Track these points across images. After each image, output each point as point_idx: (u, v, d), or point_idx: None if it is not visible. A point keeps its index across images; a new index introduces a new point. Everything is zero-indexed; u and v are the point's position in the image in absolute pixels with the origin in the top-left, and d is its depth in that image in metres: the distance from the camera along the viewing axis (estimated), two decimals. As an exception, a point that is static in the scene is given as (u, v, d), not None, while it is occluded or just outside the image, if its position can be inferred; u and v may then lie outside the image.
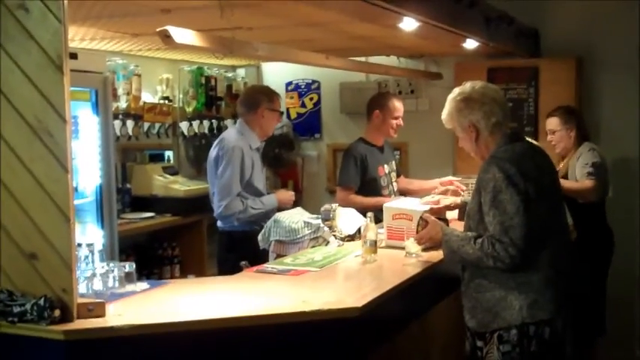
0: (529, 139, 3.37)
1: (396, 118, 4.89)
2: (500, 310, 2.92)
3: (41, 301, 2.44)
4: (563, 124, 4.97)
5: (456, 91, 3.14)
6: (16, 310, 2.45)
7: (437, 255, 3.38)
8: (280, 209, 4.42)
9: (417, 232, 3.41)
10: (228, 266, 4.06)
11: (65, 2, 2.47)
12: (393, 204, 3.99)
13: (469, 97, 3.07)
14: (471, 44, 4.91)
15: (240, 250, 4.23)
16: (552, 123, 5.03)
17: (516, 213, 2.82)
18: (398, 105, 4.92)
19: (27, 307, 2.44)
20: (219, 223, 4.58)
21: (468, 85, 3.12)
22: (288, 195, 4.70)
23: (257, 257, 3.91)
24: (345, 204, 4.47)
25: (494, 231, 2.85)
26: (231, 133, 4.61)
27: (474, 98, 3.06)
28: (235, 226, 4.46)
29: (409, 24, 3.83)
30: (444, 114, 3.16)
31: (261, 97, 4.60)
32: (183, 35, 3.23)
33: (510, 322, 2.89)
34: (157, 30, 3.19)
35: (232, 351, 2.66)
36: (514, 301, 2.89)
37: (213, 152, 4.53)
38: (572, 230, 4.03)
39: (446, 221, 3.44)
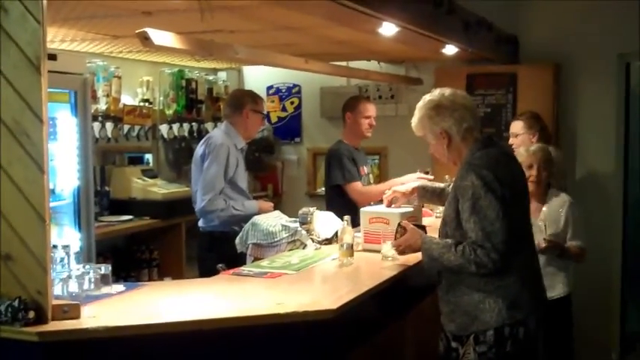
0: (501, 143, 3.39)
1: (367, 117, 5.03)
2: (479, 313, 2.94)
3: (15, 303, 2.43)
4: (527, 129, 5.00)
5: (426, 98, 3.15)
6: (-10, 311, 2.45)
7: (413, 258, 3.40)
8: None
9: (395, 239, 3.41)
10: (208, 266, 4.11)
11: (44, 3, 2.47)
12: (370, 209, 4.04)
13: (439, 104, 3.08)
14: (450, 50, 4.95)
15: (219, 250, 4.29)
16: (516, 127, 5.06)
17: (496, 218, 2.84)
18: (368, 106, 5.09)
19: (1, 309, 2.43)
20: (200, 223, 4.64)
21: (437, 93, 3.13)
22: (268, 205, 4.76)
23: (237, 258, 3.94)
24: (363, 197, 4.68)
25: (476, 237, 2.87)
26: (218, 132, 4.77)
27: (444, 105, 3.07)
28: (216, 226, 4.51)
29: (388, 29, 3.86)
30: (414, 122, 3.16)
31: (246, 98, 4.77)
32: (162, 37, 3.25)
33: (490, 324, 2.92)
34: (136, 32, 3.20)
35: (207, 353, 2.66)
36: (492, 304, 2.92)
37: (199, 150, 4.64)
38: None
39: (423, 228, 3.45)
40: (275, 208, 4.62)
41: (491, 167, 2.94)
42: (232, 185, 4.56)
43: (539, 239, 3.89)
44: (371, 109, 5.06)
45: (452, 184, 3.18)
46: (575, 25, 5.80)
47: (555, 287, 4.12)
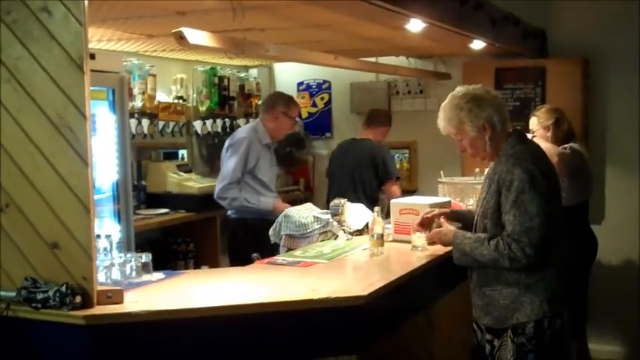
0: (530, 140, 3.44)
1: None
2: (520, 305, 2.96)
3: (63, 288, 2.56)
4: (541, 123, 4.93)
5: (457, 94, 3.09)
6: (40, 296, 2.57)
7: (442, 248, 3.47)
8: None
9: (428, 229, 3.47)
10: (236, 253, 4.37)
11: (86, 5, 2.59)
12: (400, 200, 4.15)
13: (478, 96, 3.06)
14: (477, 45, 5.00)
15: (247, 238, 4.65)
16: (531, 123, 5.02)
17: (537, 214, 2.86)
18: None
19: (50, 294, 2.56)
20: (229, 212, 4.98)
21: (467, 87, 3.12)
22: (284, 206, 4.71)
23: (265, 244, 4.15)
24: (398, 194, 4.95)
25: (513, 231, 2.88)
26: (245, 127, 5.14)
27: (482, 96, 3.06)
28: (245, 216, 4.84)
29: (415, 25, 3.92)
30: (446, 119, 3.10)
31: (279, 100, 5.06)
32: (196, 36, 3.35)
33: (530, 317, 2.95)
34: (172, 31, 3.31)
35: (243, 337, 2.75)
36: (534, 297, 2.95)
37: (225, 143, 5.02)
38: None
39: None
40: (307, 202, 4.74)
41: (536, 162, 2.97)
42: (253, 177, 4.86)
43: None
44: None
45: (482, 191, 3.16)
46: (603, 19, 5.79)
47: None
